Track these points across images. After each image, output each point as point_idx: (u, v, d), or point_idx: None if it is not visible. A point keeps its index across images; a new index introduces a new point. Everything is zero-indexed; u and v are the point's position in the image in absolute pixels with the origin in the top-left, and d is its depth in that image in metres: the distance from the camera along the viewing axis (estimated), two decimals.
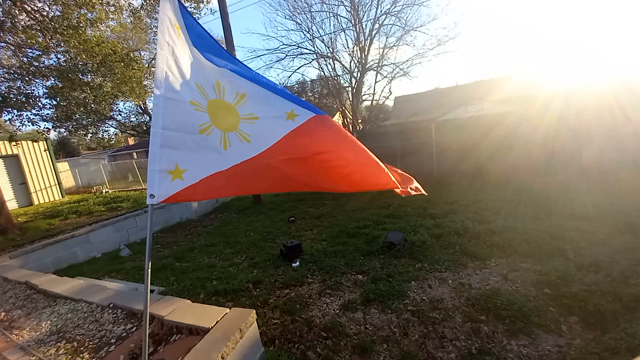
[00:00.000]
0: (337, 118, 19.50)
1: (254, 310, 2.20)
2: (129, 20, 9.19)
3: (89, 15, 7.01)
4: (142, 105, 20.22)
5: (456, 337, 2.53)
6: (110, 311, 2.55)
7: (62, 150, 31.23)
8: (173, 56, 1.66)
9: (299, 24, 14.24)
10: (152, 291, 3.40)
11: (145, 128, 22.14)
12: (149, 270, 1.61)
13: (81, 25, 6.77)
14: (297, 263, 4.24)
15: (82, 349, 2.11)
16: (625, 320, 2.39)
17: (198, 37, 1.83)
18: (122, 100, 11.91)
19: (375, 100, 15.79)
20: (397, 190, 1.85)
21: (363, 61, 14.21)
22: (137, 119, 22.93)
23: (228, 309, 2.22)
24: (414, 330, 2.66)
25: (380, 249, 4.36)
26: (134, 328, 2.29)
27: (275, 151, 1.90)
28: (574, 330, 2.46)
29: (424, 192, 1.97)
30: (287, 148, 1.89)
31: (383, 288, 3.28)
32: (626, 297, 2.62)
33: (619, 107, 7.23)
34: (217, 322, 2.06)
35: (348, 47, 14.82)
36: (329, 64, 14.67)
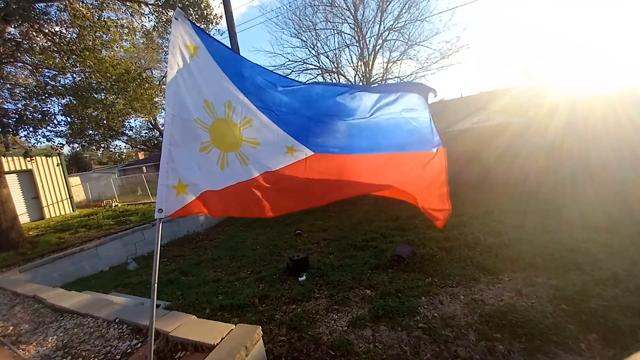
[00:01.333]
0: None
1: (260, 327, 2.16)
2: (141, 41, 9.59)
3: (104, 37, 7.34)
4: (152, 121, 20.78)
5: (470, 357, 2.42)
6: (116, 326, 2.53)
7: (74, 165, 32.04)
8: (183, 76, 1.72)
9: (304, 41, 14.62)
10: (157, 306, 3.38)
11: (155, 143, 22.66)
12: (156, 284, 1.61)
13: (97, 47, 7.09)
14: (304, 277, 4.18)
15: None
16: None
17: (219, 55, 1.87)
18: (133, 117, 12.29)
19: None
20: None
21: (367, 75, 14.42)
22: (147, 134, 23.52)
23: (234, 325, 2.18)
24: (426, 349, 2.56)
25: (388, 262, 4.28)
26: (139, 344, 2.26)
27: (270, 179, 2.00)
28: (594, 348, 2.34)
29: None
30: (281, 178, 2.02)
31: (392, 304, 3.19)
32: None
33: (627, 115, 7.12)
34: (222, 339, 2.02)
35: (352, 62, 15.03)
36: (334, 78, 14.93)
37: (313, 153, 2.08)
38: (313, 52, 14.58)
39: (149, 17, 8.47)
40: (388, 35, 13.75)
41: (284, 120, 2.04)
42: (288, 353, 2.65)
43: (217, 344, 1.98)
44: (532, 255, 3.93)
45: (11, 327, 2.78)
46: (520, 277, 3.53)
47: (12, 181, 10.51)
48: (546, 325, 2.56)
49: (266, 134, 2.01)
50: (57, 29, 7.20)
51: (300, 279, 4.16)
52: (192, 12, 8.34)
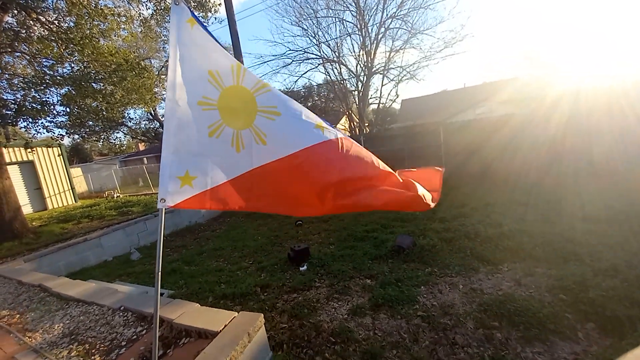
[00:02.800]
0: (344, 122, 19.53)
1: (262, 314, 2.20)
2: (139, 30, 9.44)
3: (102, 25, 7.23)
4: (152, 112, 20.68)
5: (468, 344, 2.47)
6: (121, 314, 2.58)
7: (75, 156, 32.02)
8: (184, 58, 1.63)
9: (305, 29, 14.40)
10: (161, 294, 3.43)
11: (155, 134, 22.62)
12: (160, 273, 1.62)
13: (94, 35, 6.99)
14: (305, 267, 4.22)
15: (93, 351, 2.14)
16: None
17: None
18: (133, 108, 12.23)
19: (382, 104, 15.76)
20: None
21: (369, 65, 14.24)
22: (147, 125, 23.47)
23: (236, 313, 2.22)
24: (425, 337, 2.61)
25: (388, 253, 4.31)
26: (144, 331, 2.30)
27: (302, 159, 1.61)
28: (591, 337, 2.38)
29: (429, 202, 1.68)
30: (318, 160, 1.63)
31: (392, 293, 3.23)
32: None
33: (630, 107, 7.03)
34: (225, 326, 2.06)
35: (354, 51, 14.82)
36: (335, 68, 14.76)
37: (341, 136, 1.71)
38: (314, 40, 14.38)
39: (146, 5, 8.31)
40: (391, 23, 13.53)
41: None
42: (289, 340, 2.71)
43: (220, 331, 2.02)
44: (532, 246, 3.96)
45: (17, 316, 2.84)
46: (519, 267, 3.56)
47: (14, 172, 10.53)
48: (544, 314, 2.60)
49: (288, 103, 1.66)
50: (54, 17, 7.09)
51: (301, 268, 4.20)
52: None
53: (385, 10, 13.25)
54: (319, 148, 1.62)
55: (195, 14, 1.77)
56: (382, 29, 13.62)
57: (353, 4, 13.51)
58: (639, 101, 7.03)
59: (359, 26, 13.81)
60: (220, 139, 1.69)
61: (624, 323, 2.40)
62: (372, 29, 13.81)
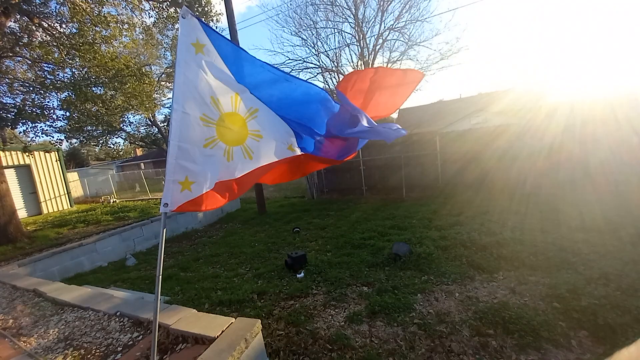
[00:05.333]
0: None
1: (259, 320, 2.21)
2: (141, 37, 9.57)
3: (104, 32, 7.33)
4: (151, 118, 20.73)
5: (464, 352, 2.49)
6: (117, 319, 2.57)
7: (72, 160, 31.87)
8: (190, 73, 1.74)
9: (305, 39, 14.68)
10: None
11: (153, 139, 22.62)
12: (160, 276, 1.65)
13: (96, 41, 7.08)
14: (302, 274, 4.23)
15: (89, 356, 2.13)
16: (634, 334, 2.34)
17: (224, 51, 1.89)
18: (132, 113, 12.26)
19: None
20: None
21: None
22: (146, 131, 23.49)
23: (233, 319, 2.22)
24: (421, 344, 2.62)
25: (385, 260, 4.33)
26: (140, 336, 2.30)
27: (268, 167, 2.26)
28: (584, 345, 2.41)
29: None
30: (278, 166, 2.34)
31: (389, 300, 3.25)
32: (635, 310, 2.58)
33: (625, 117, 7.19)
34: (222, 332, 2.07)
35: (352, 62, 15.11)
36: (334, 77, 14.99)
37: (302, 153, 2.36)
38: (313, 50, 14.65)
39: (149, 13, 8.45)
40: (388, 35, 13.85)
41: (284, 116, 2.20)
42: (286, 346, 2.71)
43: (217, 337, 2.02)
44: (526, 255, 4.00)
45: (11, 320, 2.82)
46: (514, 275, 3.60)
47: (10, 176, 10.47)
48: (538, 322, 2.63)
49: (269, 127, 2.15)
50: (56, 24, 7.18)
51: (298, 275, 4.20)
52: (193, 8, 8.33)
53: (383, 23, 13.59)
54: (285, 160, 2.33)
55: (204, 22, 1.83)
56: (380, 41, 13.93)
57: (352, 16, 13.84)
58: (634, 111, 7.19)
59: (357, 37, 14.11)
60: (213, 150, 1.92)
61: (617, 331, 2.44)
62: (370, 40, 14.13)
